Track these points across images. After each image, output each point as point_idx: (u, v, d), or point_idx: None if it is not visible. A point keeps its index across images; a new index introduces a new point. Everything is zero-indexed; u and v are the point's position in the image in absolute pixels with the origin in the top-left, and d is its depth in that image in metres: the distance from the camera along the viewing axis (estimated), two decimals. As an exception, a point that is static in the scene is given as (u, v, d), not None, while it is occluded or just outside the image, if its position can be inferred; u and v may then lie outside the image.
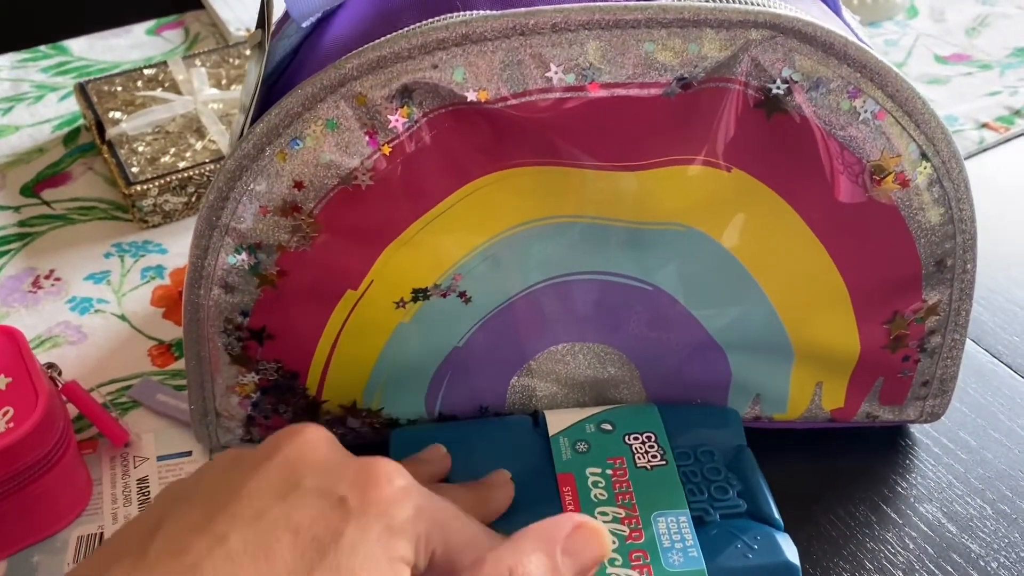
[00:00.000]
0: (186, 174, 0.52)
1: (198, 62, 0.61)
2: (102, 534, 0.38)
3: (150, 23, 0.71)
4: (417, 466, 0.35)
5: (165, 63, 0.61)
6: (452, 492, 0.32)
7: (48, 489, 0.37)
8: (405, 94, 0.30)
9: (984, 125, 0.60)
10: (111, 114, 0.57)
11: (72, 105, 0.62)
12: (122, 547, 0.24)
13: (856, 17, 0.37)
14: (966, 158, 0.58)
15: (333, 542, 0.24)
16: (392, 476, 0.26)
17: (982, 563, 0.37)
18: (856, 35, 0.35)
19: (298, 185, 0.31)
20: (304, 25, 0.33)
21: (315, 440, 0.27)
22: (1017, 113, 0.60)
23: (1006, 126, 0.60)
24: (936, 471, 0.40)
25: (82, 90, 0.59)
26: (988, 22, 0.69)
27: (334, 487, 0.25)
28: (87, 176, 0.57)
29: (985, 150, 0.58)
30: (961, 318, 0.37)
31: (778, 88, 0.30)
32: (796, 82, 0.30)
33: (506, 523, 0.34)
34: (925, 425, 0.42)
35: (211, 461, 0.27)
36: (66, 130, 0.61)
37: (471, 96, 0.30)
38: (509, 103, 0.30)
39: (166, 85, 0.59)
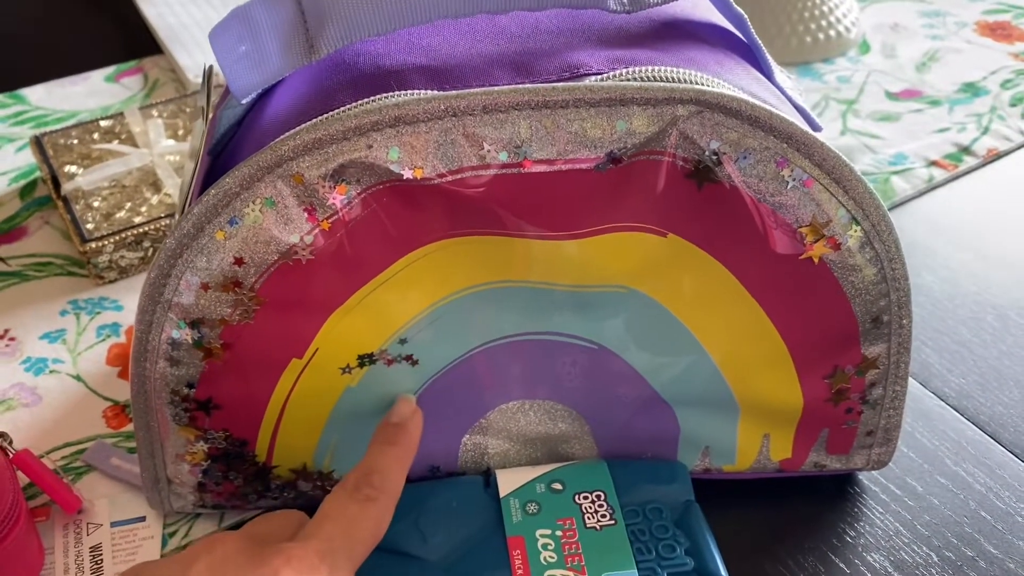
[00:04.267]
0: (142, 229, 0.52)
1: (155, 112, 0.61)
2: (53, 605, 0.38)
3: (109, 70, 0.71)
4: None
5: (122, 114, 0.61)
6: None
7: (-3, 562, 0.37)
8: (342, 173, 0.30)
9: (933, 163, 0.61)
10: (67, 168, 0.57)
11: (29, 156, 0.62)
12: None
13: (791, 77, 0.38)
14: (915, 196, 0.59)
15: None
16: (280, 557, 0.28)
17: (927, 613, 0.37)
18: (788, 98, 0.36)
19: (238, 262, 0.32)
20: (244, 102, 0.33)
21: (228, 552, 0.28)
22: (965, 150, 0.62)
23: (954, 164, 0.61)
24: (884, 519, 0.41)
25: (38, 143, 0.59)
26: (937, 57, 0.71)
27: None
28: (44, 231, 0.57)
29: (934, 188, 0.59)
30: (901, 370, 0.38)
31: (707, 158, 0.31)
32: (725, 153, 0.31)
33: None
34: (873, 472, 0.42)
35: None
36: (23, 183, 0.60)
37: (407, 174, 0.30)
38: (445, 179, 0.31)
39: (123, 137, 0.59)
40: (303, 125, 0.30)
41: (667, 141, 0.31)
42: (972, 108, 0.66)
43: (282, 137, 0.30)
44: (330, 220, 0.31)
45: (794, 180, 0.32)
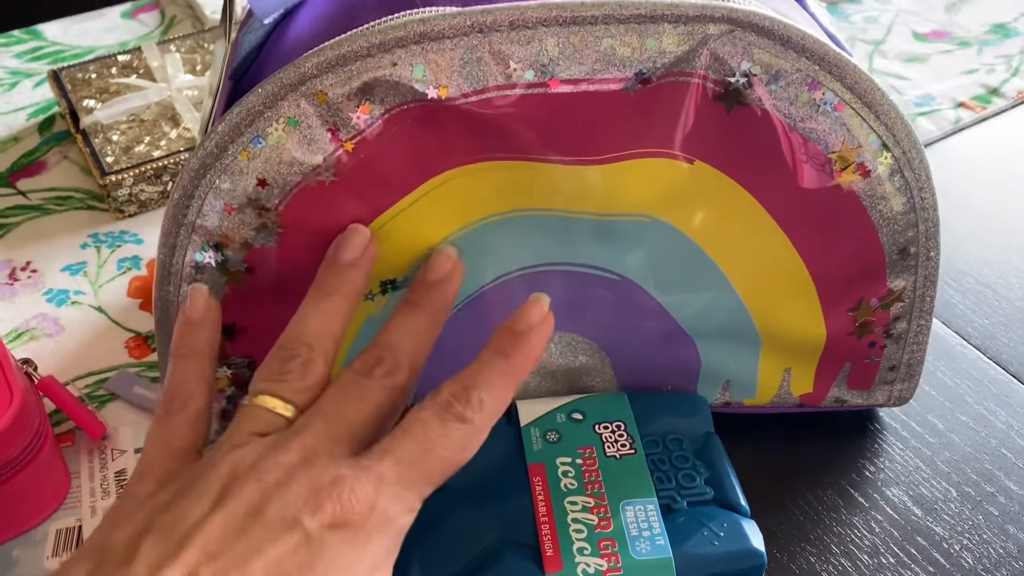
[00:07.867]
0: (161, 163, 0.52)
1: (172, 48, 0.61)
2: (80, 527, 0.39)
3: (126, 6, 0.70)
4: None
5: (139, 49, 0.60)
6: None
7: (25, 484, 0.37)
8: (366, 91, 0.30)
9: (961, 104, 0.60)
10: (85, 102, 0.56)
11: (47, 92, 0.62)
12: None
13: (822, 4, 0.37)
14: (942, 138, 0.58)
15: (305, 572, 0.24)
16: (338, 486, 0.25)
17: (945, 545, 0.37)
18: (819, 24, 0.35)
19: (262, 183, 0.31)
20: (267, 22, 0.33)
21: (267, 464, 0.26)
22: (994, 92, 0.60)
23: (983, 105, 0.60)
24: (904, 455, 0.41)
25: (56, 77, 0.58)
26: (968, -2, 0.69)
27: (294, 513, 0.24)
28: (63, 165, 0.57)
29: (961, 130, 0.58)
30: (926, 304, 0.37)
31: (737, 81, 0.31)
32: (755, 75, 0.30)
33: (478, 512, 0.35)
34: (894, 409, 0.42)
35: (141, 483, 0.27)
36: (41, 118, 0.60)
37: (432, 93, 0.30)
38: (470, 99, 0.30)
39: (140, 71, 0.59)
40: (327, 43, 0.30)
41: (697, 61, 0.30)
42: (1002, 49, 0.64)
43: (306, 55, 0.30)
44: (353, 141, 0.31)
45: (825, 104, 0.31)
